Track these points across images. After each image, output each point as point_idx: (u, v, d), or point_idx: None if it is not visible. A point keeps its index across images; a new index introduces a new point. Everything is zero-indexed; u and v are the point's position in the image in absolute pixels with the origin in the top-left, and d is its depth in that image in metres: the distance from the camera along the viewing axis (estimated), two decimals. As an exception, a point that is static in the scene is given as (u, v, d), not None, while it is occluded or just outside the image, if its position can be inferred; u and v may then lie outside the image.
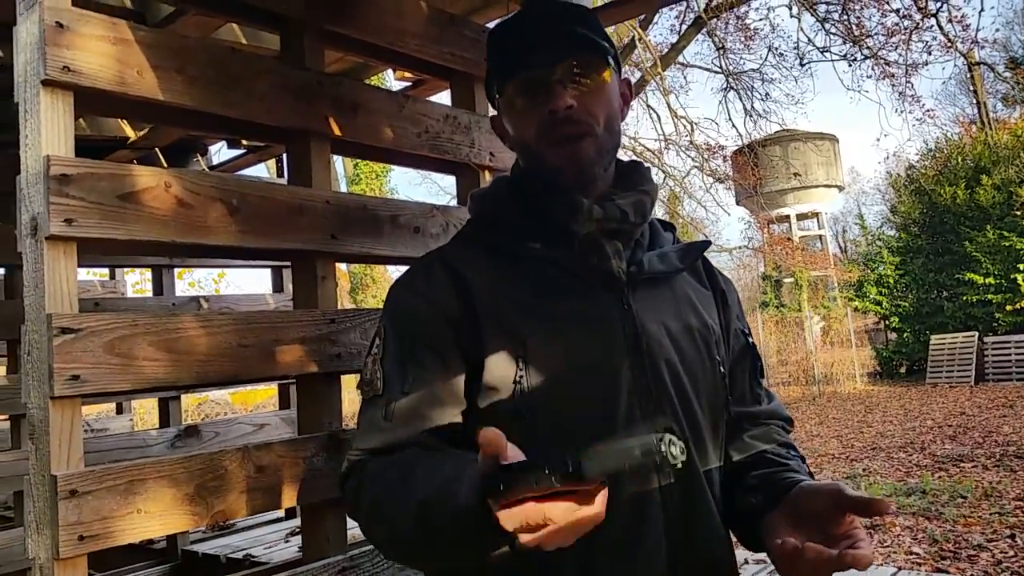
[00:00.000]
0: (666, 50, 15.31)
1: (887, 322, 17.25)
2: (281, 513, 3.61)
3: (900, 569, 3.00)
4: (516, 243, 1.05)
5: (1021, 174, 14.79)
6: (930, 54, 16.21)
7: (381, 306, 1.11)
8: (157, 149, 3.35)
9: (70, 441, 1.23)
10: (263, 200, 1.56)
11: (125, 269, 4.25)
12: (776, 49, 21.53)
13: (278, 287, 3.95)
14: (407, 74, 2.48)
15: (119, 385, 1.30)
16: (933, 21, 13.59)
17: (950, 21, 13.75)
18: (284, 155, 1.98)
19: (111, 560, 3.13)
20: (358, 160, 16.95)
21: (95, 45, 1.33)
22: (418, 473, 0.89)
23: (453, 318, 1.00)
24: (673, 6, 14.06)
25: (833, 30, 14.63)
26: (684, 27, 14.80)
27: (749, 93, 16.66)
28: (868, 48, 14.40)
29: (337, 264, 1.81)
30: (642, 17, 12.60)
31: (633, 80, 14.61)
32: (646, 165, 1.19)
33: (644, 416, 0.99)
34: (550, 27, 1.04)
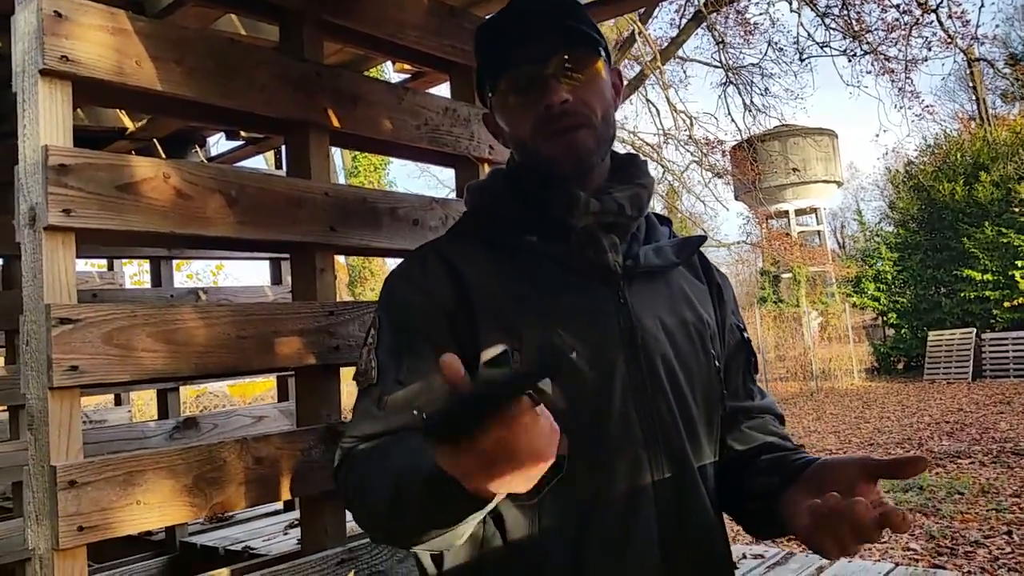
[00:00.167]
0: (666, 44, 15.27)
1: (885, 318, 17.28)
2: (280, 505, 3.62)
3: (897, 565, 3.01)
4: (512, 237, 1.04)
5: (1020, 171, 14.79)
6: (930, 50, 16.29)
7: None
8: (155, 140, 3.33)
9: (69, 432, 1.23)
10: (262, 192, 1.56)
11: (123, 260, 4.24)
12: (776, 44, 21.43)
13: (276, 279, 3.94)
14: (406, 66, 2.47)
15: (118, 376, 1.30)
16: (933, 17, 13.58)
17: (950, 17, 13.76)
18: (283, 147, 1.98)
19: (109, 551, 3.14)
20: (356, 152, 16.93)
21: (94, 35, 1.33)
22: (399, 447, 0.88)
23: (448, 310, 1.00)
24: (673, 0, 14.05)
25: (833, 25, 14.61)
26: (684, 21, 14.76)
27: (748, 88, 16.63)
28: (868, 43, 14.38)
29: (336, 257, 1.81)
30: (642, 11, 12.56)
31: (632, 74, 14.62)
32: (642, 158, 1.18)
33: (639, 409, 0.99)
34: (540, 22, 1.04)
